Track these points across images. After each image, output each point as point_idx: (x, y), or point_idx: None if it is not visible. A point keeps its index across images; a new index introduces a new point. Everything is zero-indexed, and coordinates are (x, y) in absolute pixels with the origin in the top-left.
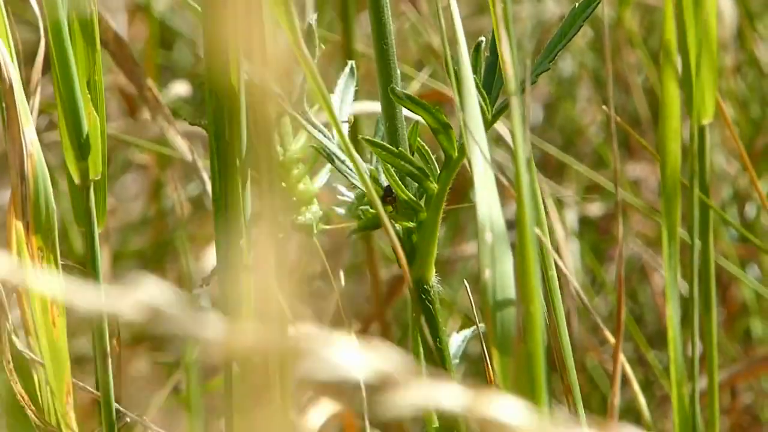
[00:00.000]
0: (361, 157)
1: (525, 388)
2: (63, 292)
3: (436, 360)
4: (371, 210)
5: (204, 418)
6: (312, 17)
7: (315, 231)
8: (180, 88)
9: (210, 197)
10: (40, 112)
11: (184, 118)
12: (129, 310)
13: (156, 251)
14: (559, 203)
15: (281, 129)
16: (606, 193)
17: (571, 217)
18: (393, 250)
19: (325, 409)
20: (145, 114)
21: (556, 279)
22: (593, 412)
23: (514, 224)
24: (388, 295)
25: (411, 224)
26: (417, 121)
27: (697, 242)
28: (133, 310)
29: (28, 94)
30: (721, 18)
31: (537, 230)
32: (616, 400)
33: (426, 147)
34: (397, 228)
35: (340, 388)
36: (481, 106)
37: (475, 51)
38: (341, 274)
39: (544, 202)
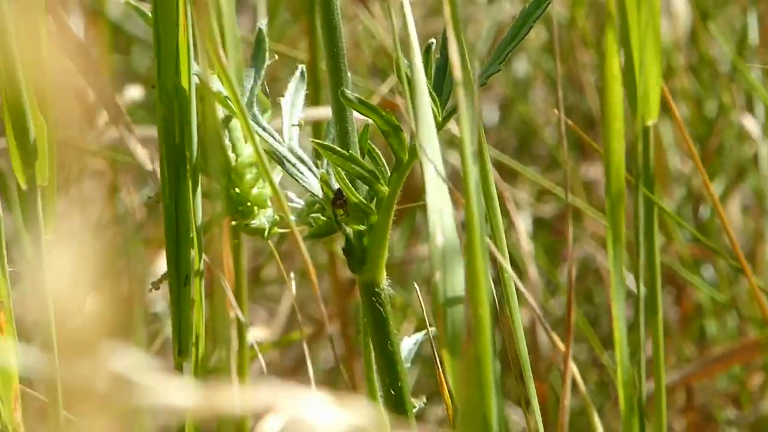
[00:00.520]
0: (313, 161)
1: (474, 391)
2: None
3: (388, 363)
4: (322, 217)
5: None
6: (262, 22)
7: (269, 235)
8: (134, 93)
9: None
10: None
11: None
12: (101, 382)
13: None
14: (514, 205)
15: (233, 134)
16: (560, 195)
17: (525, 218)
18: (343, 253)
19: None
20: (103, 120)
21: (512, 282)
22: (550, 414)
23: None
24: (347, 296)
25: (362, 227)
26: (367, 124)
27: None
28: (106, 382)
29: None
30: (675, 18)
31: (487, 234)
32: (567, 401)
33: (377, 150)
34: (348, 231)
35: None
36: (432, 109)
37: (426, 53)
38: (292, 276)
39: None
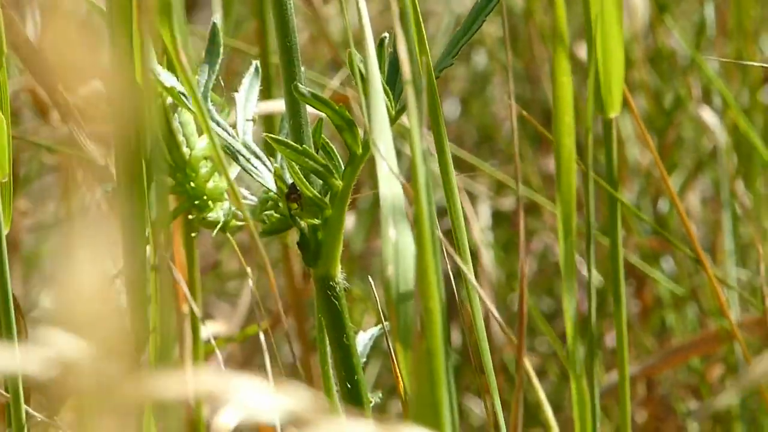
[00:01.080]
0: (268, 156)
1: (425, 383)
2: None
3: (344, 357)
4: (275, 214)
5: None
6: (216, 16)
7: (227, 228)
8: (90, 89)
9: None
10: None
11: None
12: (38, 367)
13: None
14: (473, 198)
15: (186, 129)
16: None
17: (485, 211)
18: (298, 247)
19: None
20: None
21: (473, 275)
22: (509, 408)
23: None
24: (304, 289)
25: (316, 221)
26: (321, 119)
27: (604, 236)
28: (42, 367)
29: None
30: (632, 10)
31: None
32: (520, 395)
33: (330, 144)
34: (303, 225)
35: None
36: (385, 103)
37: (379, 47)
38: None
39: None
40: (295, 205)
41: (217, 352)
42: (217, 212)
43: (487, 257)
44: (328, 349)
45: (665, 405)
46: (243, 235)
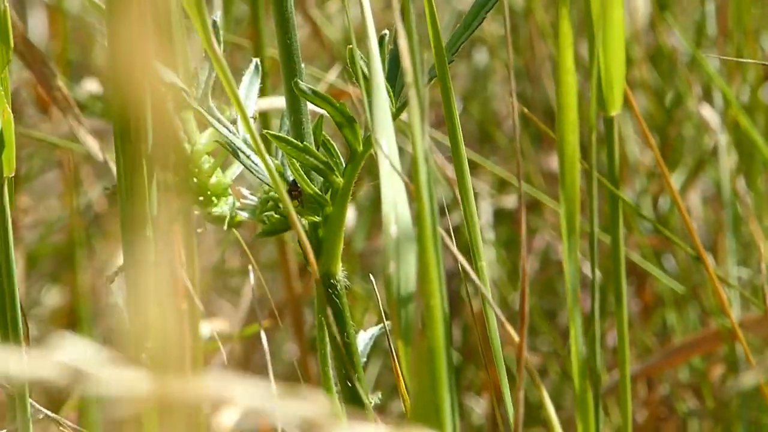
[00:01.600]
0: (268, 153)
1: (426, 382)
2: None
3: (344, 356)
4: (275, 215)
5: None
6: (217, 14)
7: (231, 223)
8: (92, 85)
9: None
10: None
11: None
12: (50, 373)
13: (71, 248)
14: (474, 195)
15: (187, 125)
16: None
17: (487, 209)
18: (299, 245)
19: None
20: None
21: (485, 271)
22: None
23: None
24: (303, 288)
25: (317, 218)
26: (321, 115)
27: (605, 234)
28: (54, 373)
29: None
30: (633, 8)
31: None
32: (521, 394)
33: (331, 141)
34: (304, 222)
35: None
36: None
37: (379, 44)
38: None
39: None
40: (295, 203)
41: (222, 349)
42: (222, 207)
43: (489, 255)
44: (329, 348)
45: (666, 404)
46: (243, 233)
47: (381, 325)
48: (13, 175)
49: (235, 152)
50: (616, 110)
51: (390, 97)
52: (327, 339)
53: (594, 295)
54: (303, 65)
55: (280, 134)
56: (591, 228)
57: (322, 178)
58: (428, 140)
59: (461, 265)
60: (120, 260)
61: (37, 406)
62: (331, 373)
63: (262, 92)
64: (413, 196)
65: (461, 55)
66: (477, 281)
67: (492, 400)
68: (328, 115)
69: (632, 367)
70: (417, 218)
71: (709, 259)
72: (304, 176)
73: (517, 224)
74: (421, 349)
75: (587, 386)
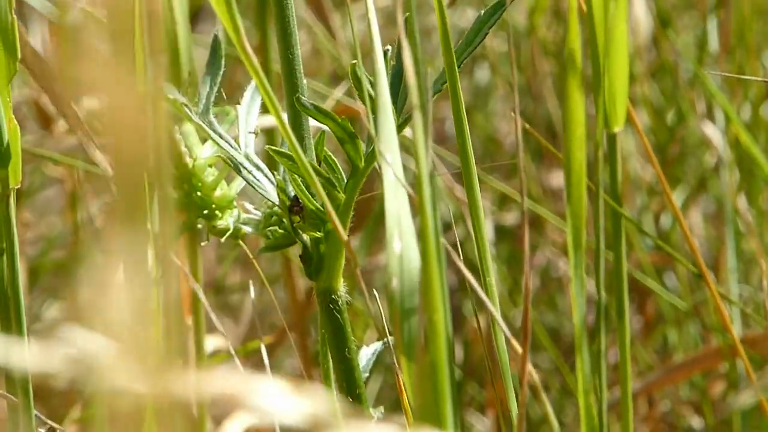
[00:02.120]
0: (270, 168)
1: (429, 397)
2: None
3: (346, 371)
4: (279, 230)
5: None
6: (218, 29)
7: (236, 235)
8: (91, 101)
9: None
10: None
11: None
12: (57, 366)
13: (72, 264)
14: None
15: (188, 140)
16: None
17: (488, 225)
18: (300, 260)
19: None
20: (61, 128)
21: (494, 287)
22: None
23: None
24: (306, 304)
25: (318, 234)
26: (323, 131)
27: (606, 251)
28: (61, 366)
29: None
30: (635, 25)
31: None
32: (522, 410)
33: (333, 157)
34: (305, 238)
35: None
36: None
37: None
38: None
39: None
40: (297, 218)
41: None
42: (227, 220)
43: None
44: (331, 363)
45: (667, 421)
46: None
47: (382, 341)
48: (18, 186)
49: (237, 167)
50: (619, 126)
51: (393, 112)
52: (329, 354)
53: (599, 312)
54: (305, 80)
55: (281, 149)
56: (596, 245)
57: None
58: (432, 155)
59: (467, 281)
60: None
61: (42, 417)
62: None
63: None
64: (417, 211)
65: (463, 72)
66: (484, 297)
67: (498, 417)
68: (329, 130)
69: (633, 383)
70: (420, 233)
71: (711, 277)
72: (306, 192)
73: (517, 241)
74: (424, 365)
75: (591, 403)
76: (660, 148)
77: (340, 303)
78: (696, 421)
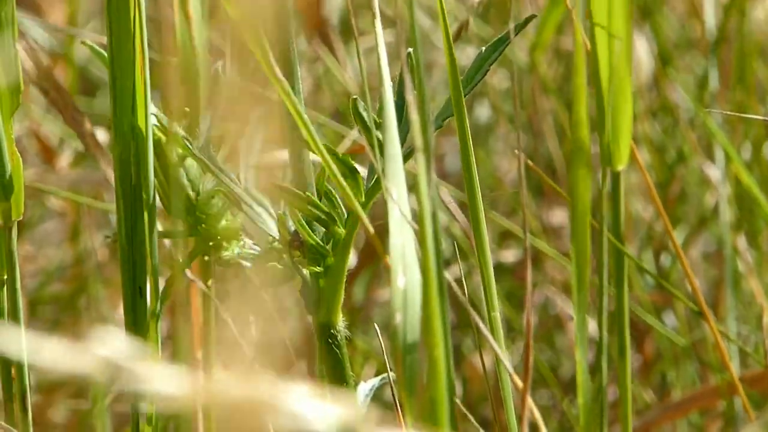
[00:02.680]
0: (270, 203)
1: None
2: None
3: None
4: (278, 266)
5: None
6: (219, 63)
7: (248, 264)
8: (99, 135)
9: None
10: None
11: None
12: (88, 367)
13: (72, 297)
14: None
15: (190, 172)
16: (521, 240)
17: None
18: (300, 295)
19: None
20: (64, 161)
21: (499, 322)
22: None
23: None
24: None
25: (318, 269)
26: (324, 165)
27: (609, 288)
28: (92, 367)
29: None
30: (637, 63)
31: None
32: None
33: (333, 192)
34: (305, 273)
35: None
36: None
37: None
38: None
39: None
40: (297, 253)
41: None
42: (233, 251)
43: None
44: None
45: None
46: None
47: (381, 376)
48: (21, 218)
49: (236, 201)
50: (623, 165)
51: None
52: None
53: (600, 350)
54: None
55: (282, 184)
56: (600, 283)
57: (324, 229)
58: (435, 190)
59: (470, 317)
60: (120, 310)
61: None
62: None
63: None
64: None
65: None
66: (487, 332)
67: None
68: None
69: (632, 421)
70: (422, 267)
71: (711, 316)
72: (306, 226)
73: (516, 278)
74: (424, 401)
75: None
76: (660, 187)
77: (338, 338)
78: None
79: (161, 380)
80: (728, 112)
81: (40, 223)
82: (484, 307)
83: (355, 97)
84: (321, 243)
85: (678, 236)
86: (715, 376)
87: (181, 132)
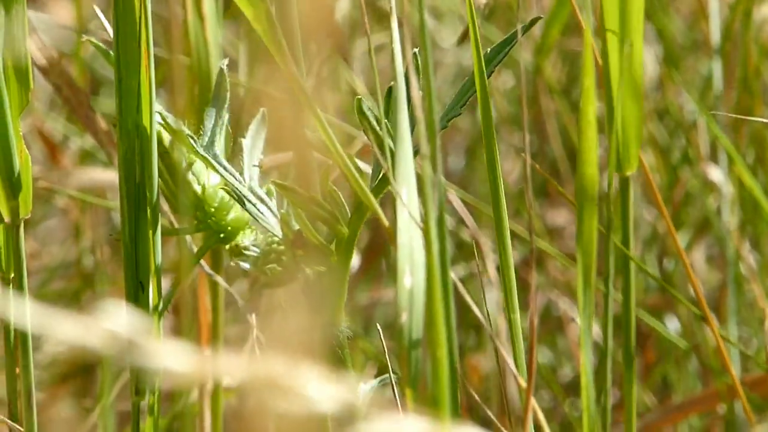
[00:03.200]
0: (274, 201)
1: None
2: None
3: None
4: (278, 268)
5: None
6: (223, 62)
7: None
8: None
9: None
10: None
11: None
12: (95, 340)
13: (75, 295)
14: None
15: (195, 167)
16: (524, 241)
17: (489, 264)
18: (303, 294)
19: None
20: (68, 159)
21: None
22: None
23: None
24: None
25: (321, 268)
26: (328, 165)
27: (612, 291)
28: (99, 340)
29: None
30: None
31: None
32: None
33: (337, 191)
34: (308, 272)
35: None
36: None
37: (387, 96)
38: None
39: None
40: (300, 252)
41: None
42: (245, 240)
43: (492, 310)
44: None
45: None
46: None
47: (381, 377)
48: (28, 216)
49: (240, 200)
50: (632, 170)
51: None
52: None
53: (605, 354)
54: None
55: (286, 183)
56: (606, 286)
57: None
58: (442, 191)
59: (475, 317)
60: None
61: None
62: None
63: None
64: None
65: (467, 110)
66: (494, 335)
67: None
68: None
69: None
70: (426, 264)
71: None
72: (309, 226)
73: (519, 280)
74: (426, 400)
75: None
76: (664, 189)
77: (340, 338)
78: None
79: (169, 357)
80: (732, 115)
81: (43, 221)
82: (485, 308)
83: (359, 97)
84: (324, 242)
85: (681, 239)
86: (717, 380)
87: (187, 130)
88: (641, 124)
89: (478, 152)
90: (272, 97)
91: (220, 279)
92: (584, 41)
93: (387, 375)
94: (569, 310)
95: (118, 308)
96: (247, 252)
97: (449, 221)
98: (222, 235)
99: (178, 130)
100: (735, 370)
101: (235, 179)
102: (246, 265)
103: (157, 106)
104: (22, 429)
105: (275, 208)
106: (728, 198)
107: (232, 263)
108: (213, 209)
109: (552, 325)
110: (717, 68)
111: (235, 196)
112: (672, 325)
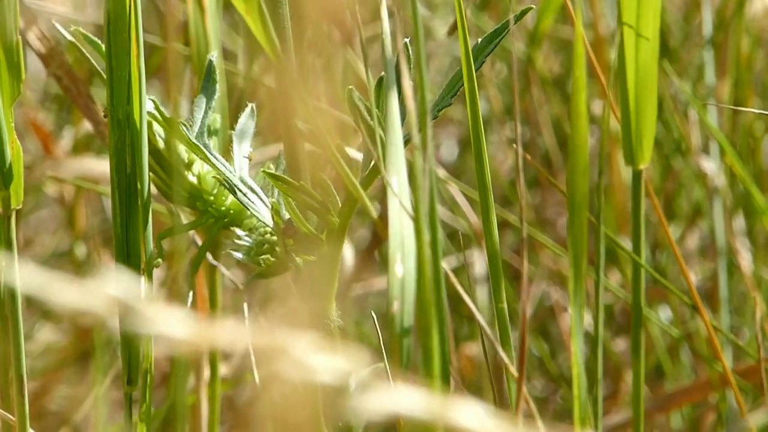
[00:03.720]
0: (265, 191)
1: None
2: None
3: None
4: (271, 258)
5: None
6: (213, 54)
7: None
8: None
9: None
10: None
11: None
12: (99, 305)
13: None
14: (468, 241)
15: (189, 158)
16: (516, 231)
17: (480, 255)
18: (293, 284)
19: None
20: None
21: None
22: None
23: None
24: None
25: (312, 258)
26: (319, 155)
27: (603, 280)
28: (102, 306)
29: None
30: None
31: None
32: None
33: (328, 181)
34: (299, 261)
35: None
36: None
37: (377, 86)
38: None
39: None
40: (291, 241)
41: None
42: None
43: (483, 301)
44: None
45: None
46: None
47: (376, 364)
48: (20, 207)
49: (232, 189)
50: (645, 163)
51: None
52: None
53: (596, 343)
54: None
55: (276, 173)
56: (597, 275)
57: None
58: (433, 179)
59: (466, 306)
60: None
61: None
62: None
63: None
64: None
65: (458, 101)
66: (483, 324)
67: None
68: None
69: (625, 413)
70: (417, 254)
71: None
72: (300, 215)
73: (511, 270)
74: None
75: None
76: (656, 180)
77: (332, 327)
78: None
79: (169, 322)
80: (725, 105)
81: (35, 210)
82: (477, 297)
83: (350, 87)
84: (315, 232)
85: (674, 229)
86: (709, 369)
87: (179, 119)
88: (654, 117)
89: (471, 143)
90: (268, 88)
91: (220, 266)
92: (575, 32)
93: (380, 363)
94: (561, 299)
95: (119, 273)
96: (240, 242)
97: (442, 211)
98: (225, 221)
99: (171, 120)
100: (727, 359)
101: (226, 169)
102: (239, 255)
103: (150, 96)
104: (13, 418)
105: (266, 197)
106: (720, 188)
107: (225, 253)
108: (212, 197)
109: (544, 315)
110: (709, 59)
111: (226, 185)
112: (664, 315)
